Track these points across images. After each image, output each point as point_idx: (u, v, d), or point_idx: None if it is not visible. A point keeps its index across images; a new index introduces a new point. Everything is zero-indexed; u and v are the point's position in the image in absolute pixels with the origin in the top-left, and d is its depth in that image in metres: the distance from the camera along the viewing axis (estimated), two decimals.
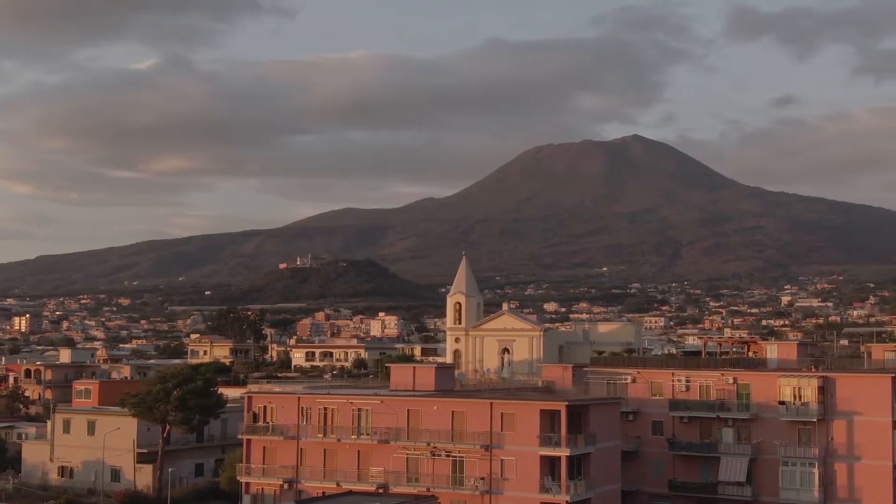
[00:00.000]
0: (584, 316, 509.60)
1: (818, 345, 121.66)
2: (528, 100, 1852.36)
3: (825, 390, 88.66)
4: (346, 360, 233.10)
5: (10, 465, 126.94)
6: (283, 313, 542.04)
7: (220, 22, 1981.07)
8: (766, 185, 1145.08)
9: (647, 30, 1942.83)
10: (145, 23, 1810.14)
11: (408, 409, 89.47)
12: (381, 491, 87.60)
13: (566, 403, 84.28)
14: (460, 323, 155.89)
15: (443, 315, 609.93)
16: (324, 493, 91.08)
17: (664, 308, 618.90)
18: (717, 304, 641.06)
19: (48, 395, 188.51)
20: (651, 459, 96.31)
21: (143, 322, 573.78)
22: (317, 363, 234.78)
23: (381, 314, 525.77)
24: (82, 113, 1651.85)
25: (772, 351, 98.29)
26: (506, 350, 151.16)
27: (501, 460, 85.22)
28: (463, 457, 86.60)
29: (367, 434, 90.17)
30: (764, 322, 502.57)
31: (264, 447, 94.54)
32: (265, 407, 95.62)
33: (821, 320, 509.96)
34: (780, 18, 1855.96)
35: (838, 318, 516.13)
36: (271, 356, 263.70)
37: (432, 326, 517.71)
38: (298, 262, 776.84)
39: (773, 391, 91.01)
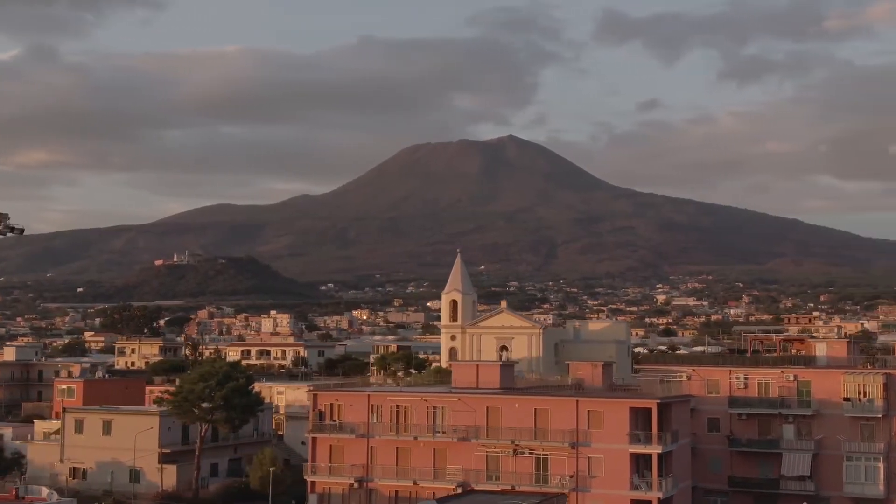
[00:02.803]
0: None
1: (861, 343, 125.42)
2: (403, 98, 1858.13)
3: (888, 387, 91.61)
4: (284, 358, 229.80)
5: (13, 467, 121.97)
6: (162, 311, 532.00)
7: (87, 12, 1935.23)
8: (635, 187, 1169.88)
9: (521, 31, 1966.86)
10: (9, 12, 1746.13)
11: (487, 407, 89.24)
12: (459, 490, 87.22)
13: (657, 401, 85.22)
14: (456, 321, 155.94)
15: (329, 313, 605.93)
16: (397, 492, 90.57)
17: (545, 306, 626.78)
18: (595, 303, 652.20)
19: None
20: (708, 456, 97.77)
21: (18, 319, 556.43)
22: (253, 361, 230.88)
23: (273, 312, 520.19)
24: None
25: (821, 349, 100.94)
26: (504, 348, 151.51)
27: (588, 458, 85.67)
28: (547, 454, 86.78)
29: (444, 432, 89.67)
30: (647, 320, 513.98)
31: (331, 445, 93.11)
32: (332, 405, 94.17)
33: (702, 318, 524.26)
34: (649, 23, 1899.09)
35: (720, 317, 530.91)
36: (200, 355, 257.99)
37: (323, 325, 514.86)
38: (175, 259, 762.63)
39: (833, 388, 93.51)
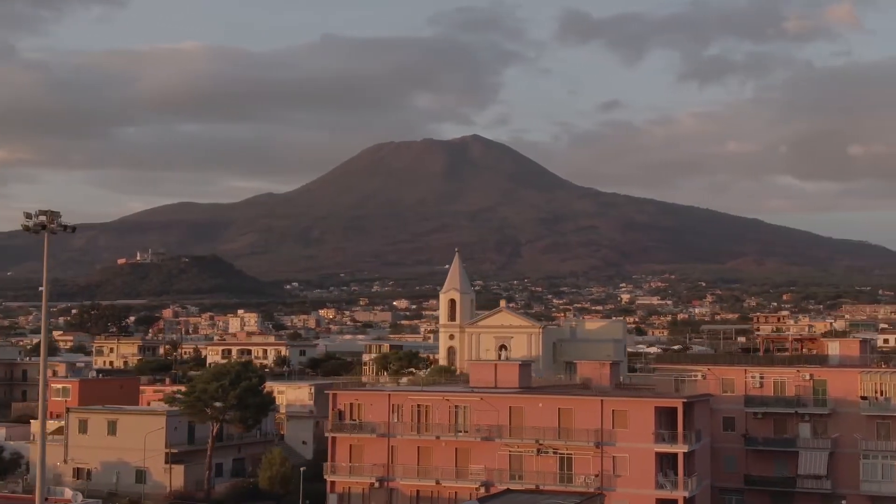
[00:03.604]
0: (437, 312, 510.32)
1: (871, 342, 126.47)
2: (366, 97, 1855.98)
3: None
4: (265, 357, 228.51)
5: (12, 468, 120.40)
6: (129, 310, 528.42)
7: (46, 9, 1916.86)
8: (598, 187, 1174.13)
9: (483, 31, 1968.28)
10: None
11: (510, 407, 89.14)
12: (483, 490, 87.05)
13: (683, 401, 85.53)
14: (454, 320, 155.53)
15: (295, 312, 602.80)
16: (418, 491, 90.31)
17: (511, 305, 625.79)
18: (560, 302, 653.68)
19: None
20: (723, 455, 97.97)
21: None
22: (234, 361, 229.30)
23: (241, 311, 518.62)
24: None
25: (833, 348, 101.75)
26: (503, 347, 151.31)
27: (613, 457, 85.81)
28: (571, 454, 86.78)
29: (467, 431, 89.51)
30: (613, 319, 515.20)
31: (351, 445, 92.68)
32: (351, 404, 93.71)
33: (668, 317, 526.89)
34: (611, 23, 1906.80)
35: (686, 316, 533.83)
36: (181, 354, 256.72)
37: (290, 324, 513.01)
38: (138, 258, 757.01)
39: (849, 386, 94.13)
